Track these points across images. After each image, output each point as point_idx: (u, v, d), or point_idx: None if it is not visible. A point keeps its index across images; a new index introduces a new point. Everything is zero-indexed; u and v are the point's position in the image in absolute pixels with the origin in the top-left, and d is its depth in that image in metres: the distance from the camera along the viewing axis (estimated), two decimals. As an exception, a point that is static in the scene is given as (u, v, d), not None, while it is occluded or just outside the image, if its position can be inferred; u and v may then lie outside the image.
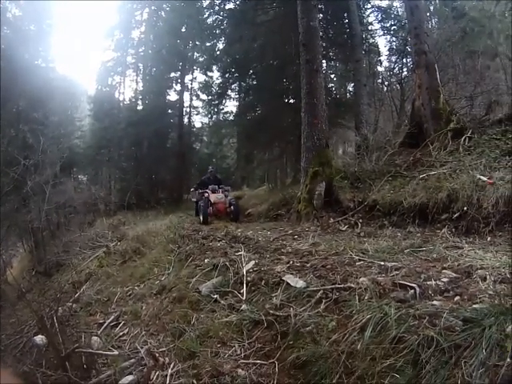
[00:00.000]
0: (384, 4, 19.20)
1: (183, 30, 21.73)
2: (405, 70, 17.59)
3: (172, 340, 4.12)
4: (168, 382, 3.42)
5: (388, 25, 18.59)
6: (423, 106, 9.13)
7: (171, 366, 3.61)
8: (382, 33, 19.02)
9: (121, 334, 4.78)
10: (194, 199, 12.95)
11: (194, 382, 3.32)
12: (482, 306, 2.90)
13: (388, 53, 19.23)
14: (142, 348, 4.06)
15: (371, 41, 19.25)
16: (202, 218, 10.93)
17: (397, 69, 18.38)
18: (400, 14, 17.76)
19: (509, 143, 7.15)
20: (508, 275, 3.49)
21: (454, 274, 3.78)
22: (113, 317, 5.34)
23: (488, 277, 3.51)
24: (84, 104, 26.07)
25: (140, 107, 22.78)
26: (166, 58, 21.08)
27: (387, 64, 19.63)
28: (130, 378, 3.59)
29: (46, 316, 4.30)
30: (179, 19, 20.93)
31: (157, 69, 22.02)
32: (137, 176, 20.99)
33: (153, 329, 4.58)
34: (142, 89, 22.87)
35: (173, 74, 22.48)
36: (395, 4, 18.75)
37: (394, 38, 18.59)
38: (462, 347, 2.55)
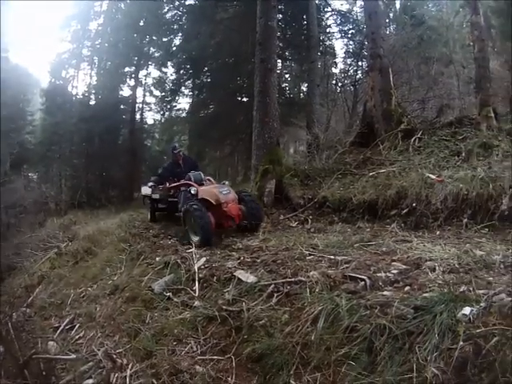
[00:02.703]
0: (344, 8, 19.57)
1: (141, 23, 21.01)
2: (359, 72, 18.06)
3: (128, 340, 4.05)
4: (128, 383, 3.36)
5: (346, 28, 19.00)
6: (375, 107, 9.36)
7: (129, 366, 3.55)
8: (339, 36, 19.45)
9: (77, 337, 4.62)
10: (157, 195, 8.89)
11: (154, 381, 3.29)
12: (432, 294, 3.03)
13: (344, 55, 19.68)
14: (99, 350, 3.95)
15: (328, 43, 19.55)
16: (200, 237, 6.41)
17: (351, 71, 18.84)
18: (359, 18, 18.21)
19: (458, 144, 7.48)
20: (457, 265, 3.66)
21: (404, 266, 3.93)
22: (67, 320, 5.14)
23: (437, 268, 3.68)
24: (36, 97, 24.90)
25: (93, 102, 21.99)
26: (122, 52, 20.39)
27: (342, 66, 20.04)
28: (89, 382, 3.52)
29: (0, 322, 4.12)
30: (138, 12, 20.29)
31: (112, 63, 21.25)
32: (87, 173, 20.39)
33: (108, 330, 4.48)
34: (95, 83, 22.01)
35: (127, 69, 21.75)
36: (355, 9, 19.22)
37: (351, 42, 19.02)
38: (415, 333, 2.68)
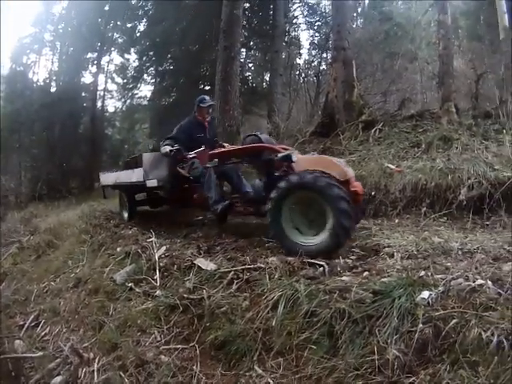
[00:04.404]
0: (312, 0, 19.63)
1: (106, 8, 20.32)
2: (323, 64, 18.19)
3: (93, 334, 4.02)
4: (96, 377, 3.32)
5: (313, 20, 19.13)
6: (337, 98, 9.38)
7: (96, 360, 3.51)
8: (305, 27, 19.54)
9: (43, 333, 4.56)
10: (154, 182, 5.84)
11: (121, 373, 3.26)
12: (391, 279, 3.10)
13: (309, 46, 19.79)
14: (65, 346, 3.89)
15: (294, 33, 19.68)
16: (335, 235, 3.86)
17: (316, 62, 18.98)
18: (327, 11, 18.18)
19: (418, 136, 7.57)
20: (415, 252, 3.79)
21: (362, 252, 4.04)
22: (32, 316, 5.05)
23: (395, 254, 3.78)
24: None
25: (54, 89, 21.21)
26: (85, 37, 19.56)
27: (307, 57, 20.16)
28: (58, 379, 3.45)
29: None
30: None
31: (74, 48, 20.35)
32: (48, 164, 19.76)
33: (73, 324, 4.43)
34: (57, 69, 21.23)
35: (90, 55, 20.87)
36: (323, 1, 19.26)
37: (316, 34, 19.15)
38: (375, 317, 2.76)
